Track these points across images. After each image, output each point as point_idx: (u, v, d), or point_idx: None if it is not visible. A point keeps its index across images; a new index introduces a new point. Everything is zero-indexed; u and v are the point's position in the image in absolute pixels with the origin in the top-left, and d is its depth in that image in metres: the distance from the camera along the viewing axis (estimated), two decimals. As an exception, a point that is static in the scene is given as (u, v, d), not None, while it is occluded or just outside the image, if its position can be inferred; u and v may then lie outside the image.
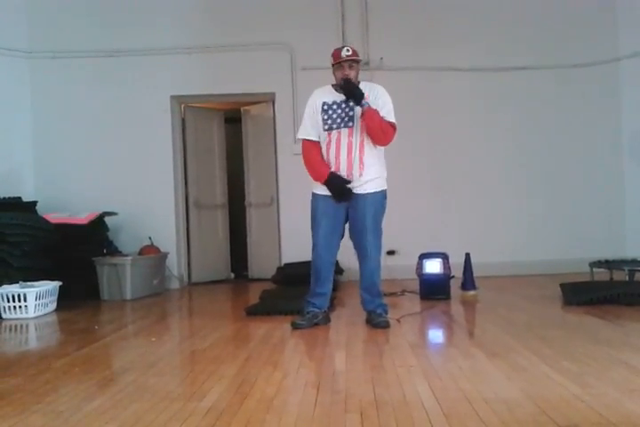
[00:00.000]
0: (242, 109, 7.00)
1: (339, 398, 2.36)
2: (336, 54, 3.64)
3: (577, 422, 2.00)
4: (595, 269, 5.22)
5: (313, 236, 3.75)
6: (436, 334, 3.84)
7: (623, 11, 6.33)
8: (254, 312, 4.34)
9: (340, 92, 3.68)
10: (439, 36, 6.38)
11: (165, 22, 6.36)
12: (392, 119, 3.71)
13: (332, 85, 3.77)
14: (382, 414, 2.14)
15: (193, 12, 6.41)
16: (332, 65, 3.67)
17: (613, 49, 6.33)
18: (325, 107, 3.69)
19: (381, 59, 6.28)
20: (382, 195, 3.78)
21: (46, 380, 2.76)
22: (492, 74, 6.33)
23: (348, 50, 3.63)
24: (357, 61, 3.68)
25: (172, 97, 6.46)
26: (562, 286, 4.69)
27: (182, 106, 6.68)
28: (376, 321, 3.72)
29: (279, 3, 6.39)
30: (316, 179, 3.72)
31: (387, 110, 3.70)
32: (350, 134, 3.66)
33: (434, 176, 6.31)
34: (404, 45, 6.36)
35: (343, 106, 3.67)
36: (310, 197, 3.82)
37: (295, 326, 3.71)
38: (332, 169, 3.67)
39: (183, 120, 6.69)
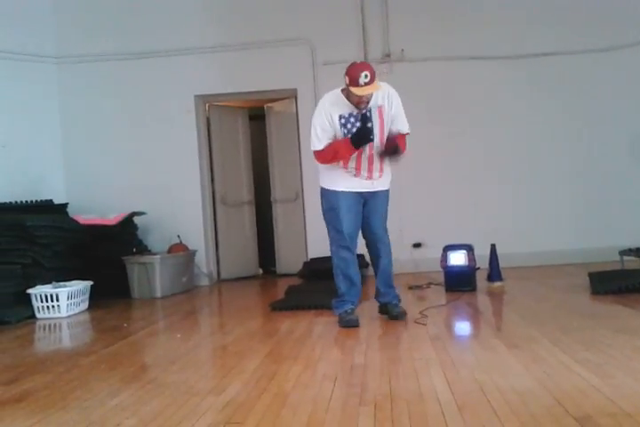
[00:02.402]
0: (265, 106, 7.03)
1: (354, 391, 2.38)
2: (353, 77, 3.37)
3: (591, 413, 1.98)
4: (625, 258, 5.12)
5: (335, 232, 3.69)
6: (459, 326, 3.82)
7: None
8: (279, 307, 4.39)
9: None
10: (461, 24, 6.27)
11: (187, 23, 6.42)
12: (407, 130, 3.72)
13: (342, 91, 3.59)
14: (396, 406, 2.16)
15: (215, 12, 6.45)
16: (346, 84, 3.45)
17: (636, 32, 6.12)
18: (343, 120, 3.56)
19: (402, 50, 6.23)
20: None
21: (73, 377, 2.85)
22: (517, 61, 6.20)
23: (366, 76, 3.35)
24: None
25: (197, 96, 6.53)
26: (590, 274, 4.62)
27: (207, 105, 6.75)
28: (395, 313, 3.75)
29: (298, -2, 6.39)
30: (345, 154, 3.54)
31: (402, 121, 3.68)
32: (371, 148, 3.61)
33: (459, 168, 6.23)
34: (426, 36, 6.27)
35: (358, 118, 3.55)
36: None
37: (353, 325, 3.60)
38: (354, 174, 3.65)
39: (208, 119, 6.76)
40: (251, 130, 7.21)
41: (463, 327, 3.78)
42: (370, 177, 3.68)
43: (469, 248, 4.81)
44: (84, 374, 2.91)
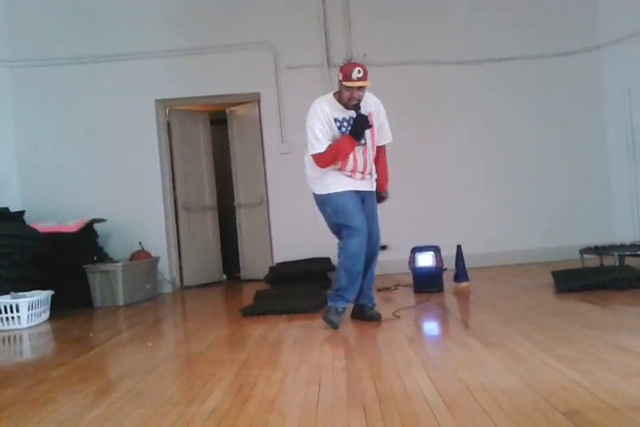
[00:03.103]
0: (227, 110, 6.97)
1: (341, 394, 2.36)
2: (346, 72, 3.50)
3: (578, 408, 2.02)
4: (585, 256, 5.26)
5: (348, 228, 3.64)
6: (432, 327, 3.87)
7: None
8: (250, 313, 4.34)
9: (347, 108, 3.63)
10: (422, 30, 6.38)
11: (147, 26, 6.32)
12: (391, 139, 3.91)
13: (334, 95, 3.68)
14: (385, 408, 2.15)
15: (174, 15, 6.37)
16: (340, 81, 3.56)
17: (594, 36, 6.37)
18: (338, 124, 3.63)
19: (365, 55, 6.25)
20: None
21: (45, 390, 2.74)
22: (477, 66, 6.34)
23: (359, 71, 3.48)
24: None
25: (157, 101, 6.43)
26: (553, 273, 4.73)
27: (167, 109, 6.65)
28: (370, 314, 3.83)
29: (261, 2, 6.35)
30: (347, 150, 3.60)
31: (387, 128, 3.85)
32: (364, 152, 3.71)
33: (422, 170, 6.31)
34: (388, 41, 6.34)
35: (352, 121, 3.65)
36: (315, 197, 3.83)
37: (334, 326, 3.62)
38: (349, 172, 3.70)
39: (168, 123, 6.66)
40: (212, 134, 7.14)
41: (437, 328, 3.82)
42: (363, 178, 3.77)
43: (436, 249, 4.86)
44: (55, 386, 2.80)
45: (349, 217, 3.66)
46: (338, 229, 3.74)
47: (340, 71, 3.56)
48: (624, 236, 5.98)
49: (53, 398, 2.59)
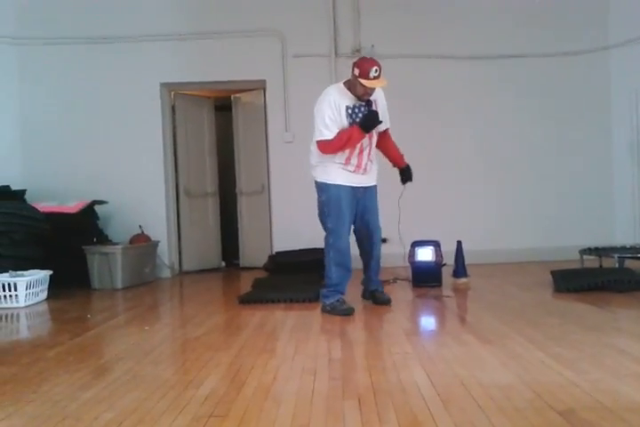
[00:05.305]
0: (232, 97, 6.94)
1: (336, 384, 2.37)
2: (364, 70, 3.64)
3: (573, 408, 2.02)
4: (585, 257, 5.26)
5: (336, 225, 3.85)
6: (430, 321, 3.87)
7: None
8: (247, 300, 4.34)
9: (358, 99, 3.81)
10: (432, 23, 6.32)
11: (156, 8, 6.27)
12: (389, 124, 4.06)
13: (344, 83, 3.84)
14: (380, 400, 2.15)
15: (184, -1, 6.34)
16: (355, 75, 3.68)
17: (604, 37, 6.34)
18: (349, 111, 3.78)
19: (372, 46, 6.22)
20: None
21: (40, 369, 2.75)
22: (485, 62, 6.29)
23: (376, 70, 3.64)
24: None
25: (162, 84, 6.38)
26: (552, 273, 4.72)
27: (172, 93, 6.62)
28: (382, 299, 4.07)
29: (270, -11, 6.31)
30: (357, 141, 3.75)
31: (387, 118, 4.00)
32: (370, 137, 3.89)
33: (425, 164, 6.22)
34: (396, 33, 6.29)
35: (362, 109, 3.81)
36: (322, 186, 3.93)
37: (351, 313, 3.77)
38: (353, 167, 3.86)
39: (173, 108, 6.63)
40: (216, 120, 7.11)
41: (435, 323, 3.81)
42: (365, 170, 3.92)
43: (437, 244, 4.86)
44: (51, 366, 2.81)
45: (341, 212, 3.85)
46: (325, 219, 3.91)
47: (357, 67, 3.68)
48: (624, 238, 5.98)
49: (49, 378, 2.59)
